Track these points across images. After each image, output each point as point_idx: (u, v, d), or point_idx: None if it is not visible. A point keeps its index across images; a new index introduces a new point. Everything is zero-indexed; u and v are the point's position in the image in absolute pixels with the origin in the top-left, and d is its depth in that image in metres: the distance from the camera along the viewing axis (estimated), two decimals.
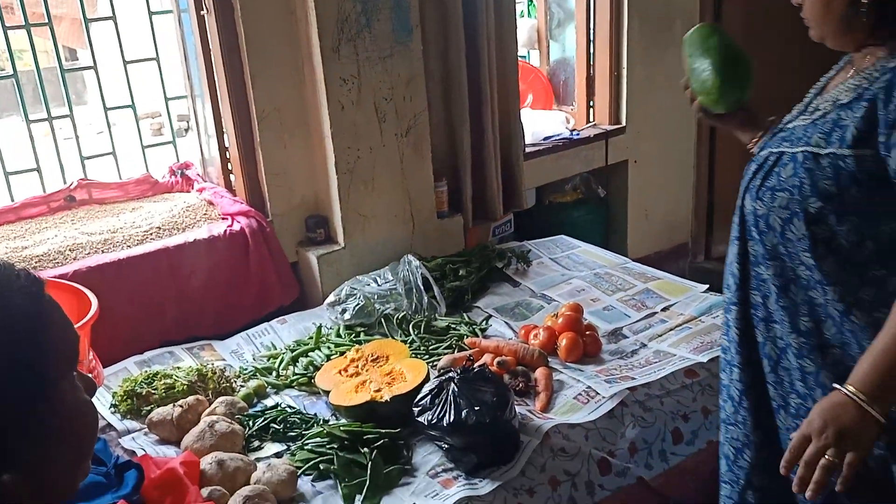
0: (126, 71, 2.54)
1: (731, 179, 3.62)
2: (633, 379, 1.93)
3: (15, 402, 0.71)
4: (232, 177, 2.55)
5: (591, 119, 3.38)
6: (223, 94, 2.39)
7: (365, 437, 1.73)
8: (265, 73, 2.36)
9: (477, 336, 2.18)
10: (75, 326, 0.82)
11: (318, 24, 2.28)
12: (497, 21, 2.68)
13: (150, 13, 2.56)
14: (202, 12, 2.34)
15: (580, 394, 1.91)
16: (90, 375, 0.84)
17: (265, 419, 1.85)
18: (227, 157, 2.53)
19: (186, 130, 2.83)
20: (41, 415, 0.74)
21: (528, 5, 3.95)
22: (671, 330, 2.18)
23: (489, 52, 2.66)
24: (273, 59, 2.37)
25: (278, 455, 1.77)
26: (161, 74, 2.63)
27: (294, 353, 2.14)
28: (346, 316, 2.26)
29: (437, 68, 2.62)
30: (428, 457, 1.74)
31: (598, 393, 1.89)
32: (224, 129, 2.49)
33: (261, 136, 2.41)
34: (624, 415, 1.84)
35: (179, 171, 2.72)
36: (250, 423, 1.85)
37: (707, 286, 2.38)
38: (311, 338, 2.22)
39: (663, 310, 2.29)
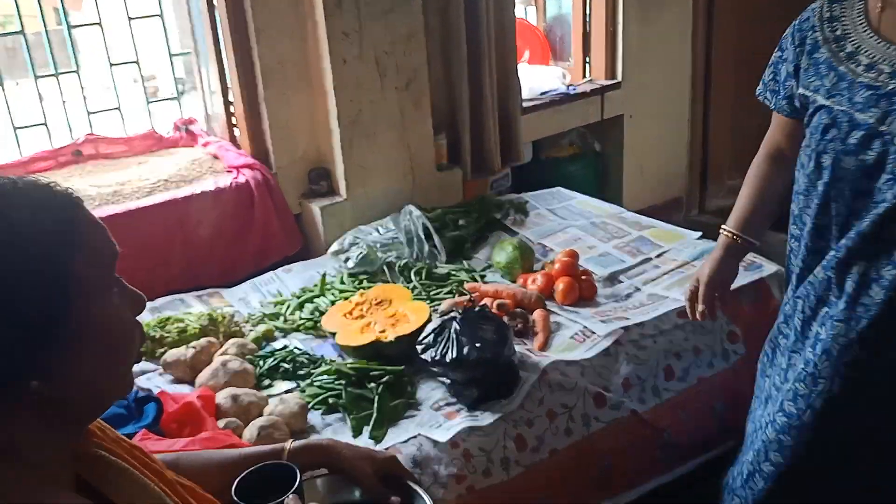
0: (130, 27, 2.57)
1: (724, 135, 3.71)
2: (628, 319, 2.01)
3: (43, 308, 0.74)
4: (236, 131, 2.61)
5: (588, 75, 3.42)
6: (228, 50, 2.44)
7: (371, 374, 1.82)
8: (269, 29, 2.40)
9: (476, 282, 2.26)
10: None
11: None
12: None
13: None
14: None
15: (577, 333, 1.99)
16: (139, 292, 0.86)
17: (275, 359, 1.94)
18: (232, 111, 2.58)
19: (182, 93, 2.87)
20: (70, 324, 0.75)
21: None
22: (665, 274, 2.26)
23: (487, 9, 2.70)
24: (277, 15, 2.41)
25: (288, 391, 1.86)
26: (165, 31, 2.66)
27: (300, 300, 2.22)
28: (350, 264, 2.34)
29: (436, 24, 2.66)
30: (431, 392, 1.83)
31: (594, 332, 1.97)
32: (229, 85, 2.53)
33: (265, 91, 2.46)
34: (619, 353, 1.92)
35: (184, 127, 2.77)
36: (261, 363, 1.93)
37: (700, 233, 2.45)
38: (315, 285, 2.30)
39: (657, 256, 2.36)
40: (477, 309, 1.84)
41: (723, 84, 3.63)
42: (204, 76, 2.66)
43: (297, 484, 1.08)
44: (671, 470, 1.96)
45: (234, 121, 2.60)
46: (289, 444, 1.18)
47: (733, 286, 2.09)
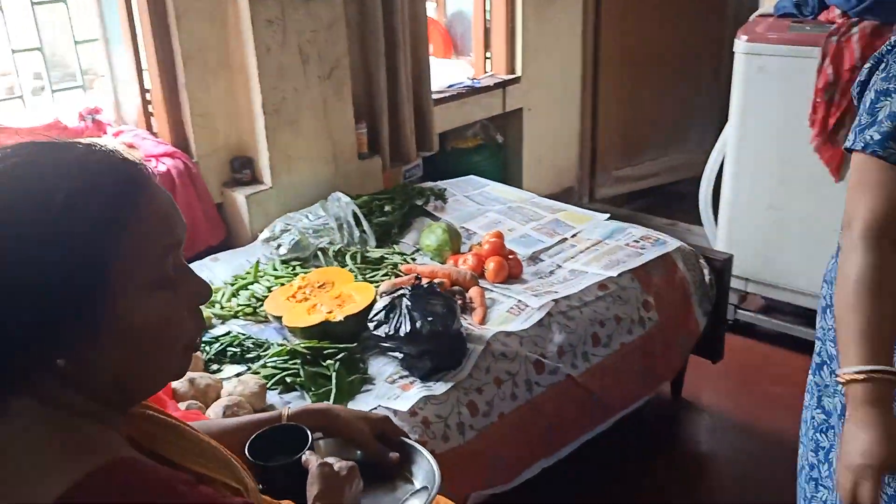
0: (34, 13, 2.45)
1: (612, 127, 3.99)
2: (556, 293, 2.17)
3: (74, 290, 0.70)
4: (153, 119, 2.54)
5: (489, 69, 3.58)
6: (146, 35, 2.38)
7: (325, 353, 1.87)
8: (189, 15, 2.37)
9: (409, 264, 2.34)
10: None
11: None
12: None
13: None
14: None
15: (512, 307, 2.12)
16: (204, 282, 0.82)
17: (221, 344, 1.94)
18: (149, 99, 2.52)
19: (42, 89, 2.75)
20: (102, 312, 0.72)
21: None
22: (581, 252, 2.43)
23: (402, 0, 2.78)
24: (198, 1, 2.38)
25: (239, 375, 1.87)
26: (70, 18, 2.55)
27: (235, 287, 2.22)
28: (282, 251, 2.35)
29: (354, 14, 2.72)
30: (383, 367, 1.90)
31: (528, 305, 2.11)
32: (143, 71, 2.47)
33: (185, 78, 2.42)
34: (551, 323, 2.07)
35: (90, 117, 2.66)
36: (206, 348, 1.93)
37: (608, 215, 2.66)
38: (248, 273, 2.30)
39: (572, 236, 2.54)
40: (425, 285, 1.93)
41: (610, 79, 3.91)
42: (114, 63, 2.57)
43: (310, 442, 1.14)
44: (598, 425, 2.14)
45: (150, 108, 2.53)
46: (286, 410, 1.22)
47: (644, 261, 2.32)
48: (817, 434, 1.38)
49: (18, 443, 0.73)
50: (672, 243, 2.42)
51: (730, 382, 2.75)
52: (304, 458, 1.10)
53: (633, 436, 2.40)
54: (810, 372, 1.44)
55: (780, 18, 2.62)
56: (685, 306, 2.35)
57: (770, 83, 2.59)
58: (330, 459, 1.09)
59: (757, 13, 2.77)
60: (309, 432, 1.15)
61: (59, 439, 0.74)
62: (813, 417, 1.40)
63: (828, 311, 1.33)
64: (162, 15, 2.36)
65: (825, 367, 1.36)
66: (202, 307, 0.86)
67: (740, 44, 2.63)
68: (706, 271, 2.42)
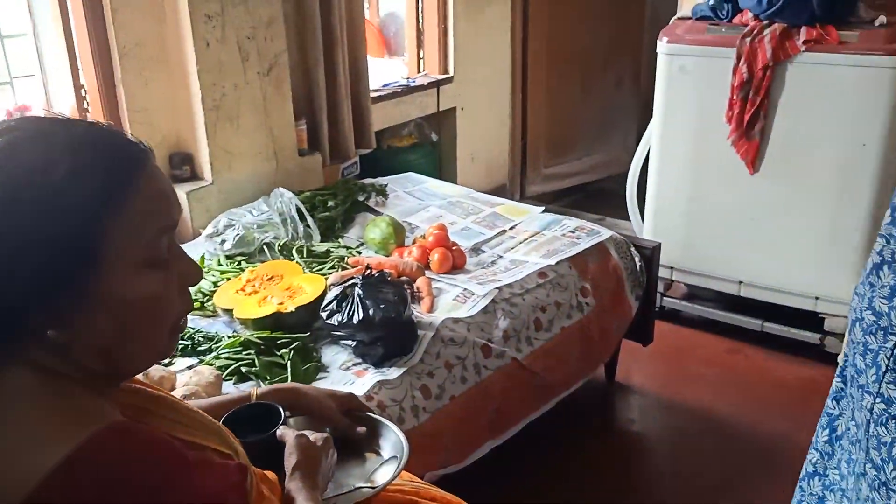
0: None
1: (540, 126, 4.12)
2: (500, 281, 2.26)
3: (64, 264, 0.72)
4: (88, 115, 2.50)
5: (422, 69, 3.65)
6: (80, 30, 2.34)
7: (279, 342, 1.89)
8: (126, 9, 2.35)
9: (355, 257, 2.38)
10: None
11: None
12: None
13: None
14: None
15: (458, 295, 2.19)
16: (195, 264, 0.85)
17: None
18: (84, 95, 2.47)
19: (14, 78, 2.68)
20: (91, 287, 0.74)
21: None
22: (521, 243, 2.53)
23: None
24: None
25: (191, 367, 1.87)
26: None
27: None
28: (227, 246, 2.36)
29: (292, 11, 2.74)
30: (336, 356, 1.94)
31: (473, 293, 2.19)
32: (80, 67, 2.43)
33: (122, 73, 2.39)
34: (496, 309, 2.15)
35: (18, 115, 2.59)
36: None
37: (543, 207, 2.77)
38: None
39: (511, 228, 2.63)
40: (377, 274, 1.98)
41: (538, 80, 4.05)
42: (45, 59, 2.51)
43: (283, 417, 1.18)
44: (542, 406, 2.24)
45: (86, 104, 2.49)
46: (254, 390, 1.25)
47: (580, 249, 2.44)
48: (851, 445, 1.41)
49: (18, 407, 0.75)
50: (605, 233, 2.55)
51: (659, 365, 2.91)
52: (279, 432, 1.14)
53: (572, 416, 2.52)
54: (835, 387, 1.46)
55: (698, 21, 2.79)
56: (619, 292, 2.48)
57: (690, 82, 2.76)
58: (305, 432, 1.13)
59: (676, 16, 2.94)
60: (281, 409, 1.19)
61: (57, 404, 0.76)
62: (848, 429, 1.43)
63: (857, 324, 1.33)
64: (97, 9, 2.33)
65: (853, 381, 1.37)
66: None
67: (662, 45, 2.79)
68: (637, 259, 2.56)
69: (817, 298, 2.73)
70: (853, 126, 2.49)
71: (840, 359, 1.47)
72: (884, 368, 1.26)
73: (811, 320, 2.80)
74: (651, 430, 2.66)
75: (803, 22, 2.51)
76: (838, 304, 2.68)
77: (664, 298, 3.12)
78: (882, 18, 2.47)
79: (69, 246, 0.73)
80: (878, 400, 1.27)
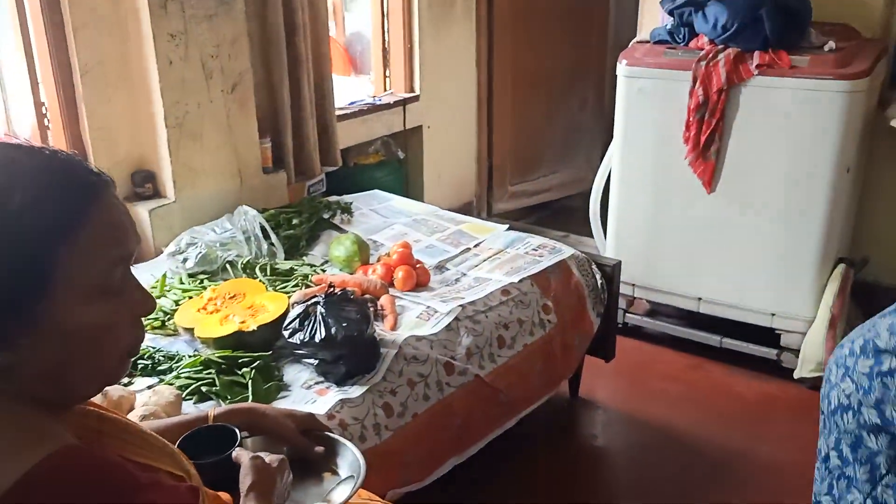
0: None
1: (505, 144, 4.17)
2: (463, 298, 2.28)
3: (15, 289, 0.73)
4: (49, 133, 2.48)
5: (389, 87, 3.68)
6: (41, 48, 2.33)
7: (240, 361, 1.89)
8: (88, 27, 2.34)
9: (320, 275, 2.39)
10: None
11: None
12: None
13: None
14: None
15: (421, 313, 2.21)
16: (148, 295, 0.85)
17: None
18: (44, 112, 2.45)
19: None
20: (42, 313, 0.74)
21: None
22: (484, 261, 2.55)
23: (304, 17, 2.84)
24: (96, 13, 2.35)
25: (151, 387, 1.86)
26: None
27: None
28: (189, 264, 2.35)
29: (256, 30, 2.75)
30: (298, 374, 1.94)
31: (436, 311, 2.21)
32: (40, 84, 2.41)
33: (84, 91, 2.38)
34: (459, 327, 2.17)
35: None
36: None
37: (508, 225, 2.80)
38: (154, 286, 2.28)
39: (475, 246, 2.66)
40: (339, 292, 1.99)
41: (504, 99, 4.10)
42: (5, 76, 2.49)
43: (239, 440, 1.18)
44: (505, 422, 2.25)
45: (46, 122, 2.47)
46: (213, 411, 1.26)
47: (542, 267, 2.47)
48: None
49: None
50: (567, 251, 2.58)
51: (621, 381, 2.95)
52: (234, 454, 1.14)
53: (536, 432, 2.54)
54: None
55: (657, 45, 2.86)
56: (580, 309, 2.52)
57: (648, 103, 2.83)
58: (261, 453, 1.14)
59: (635, 40, 3.01)
60: (238, 430, 1.19)
61: (6, 427, 0.76)
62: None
63: (847, 412, 1.21)
64: (58, 26, 2.32)
65: (835, 469, 1.27)
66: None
67: (622, 67, 2.85)
68: (598, 276, 2.60)
69: (773, 315, 2.79)
70: (805, 147, 2.57)
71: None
72: (883, 471, 1.18)
73: (768, 336, 2.86)
74: (613, 444, 2.70)
75: (756, 47, 2.59)
76: (793, 321, 2.75)
77: (626, 315, 3.17)
78: (831, 44, 2.56)
79: (19, 271, 0.74)
80: (868, 501, 1.20)
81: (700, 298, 2.95)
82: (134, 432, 0.93)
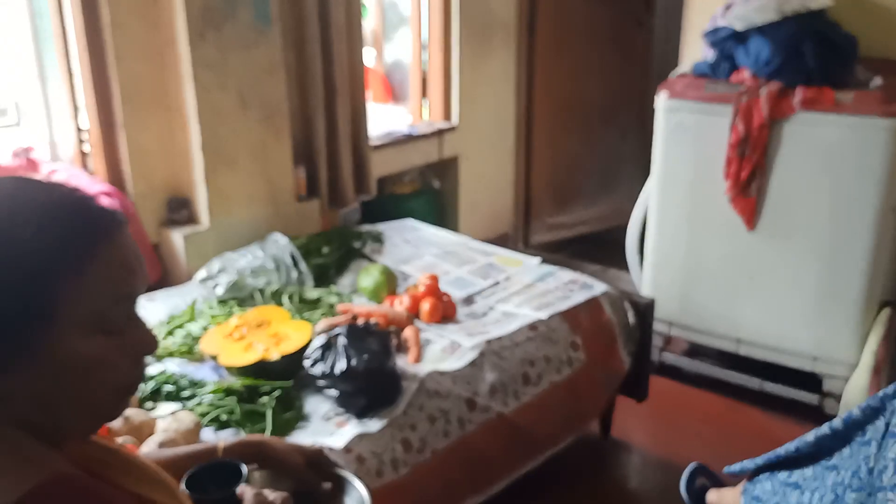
0: None
1: (546, 177, 4.14)
2: (489, 333, 2.24)
3: (13, 319, 0.73)
4: (89, 158, 2.54)
5: (426, 117, 3.69)
6: (83, 75, 2.39)
7: (261, 390, 1.88)
8: (128, 55, 2.40)
9: (347, 304, 2.38)
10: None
11: (185, 11, 2.37)
12: (347, 19, 2.91)
13: None
14: None
15: (445, 347, 2.18)
16: (151, 335, 0.85)
17: (156, 382, 1.93)
18: (84, 138, 2.52)
19: (20, 120, 2.74)
20: (40, 346, 0.75)
21: (362, 9, 4.20)
22: (513, 295, 2.52)
23: (340, 48, 2.87)
24: (137, 42, 2.41)
25: (174, 413, 1.86)
26: (4, 56, 2.55)
27: (171, 326, 2.21)
28: (219, 290, 2.36)
29: (293, 60, 2.79)
30: (318, 405, 1.92)
31: (461, 345, 2.17)
32: (81, 110, 2.48)
33: (123, 117, 2.44)
34: (483, 362, 2.13)
35: (23, 154, 2.64)
36: (141, 386, 1.91)
37: (540, 259, 2.76)
38: (184, 312, 2.30)
39: (505, 279, 2.62)
40: (362, 324, 1.97)
41: (542, 129, 4.08)
42: (50, 102, 2.57)
43: (244, 476, 1.16)
44: (528, 462, 2.19)
45: (87, 149, 2.53)
46: (222, 443, 1.24)
47: (573, 303, 2.42)
48: None
49: None
50: (598, 287, 2.53)
51: (656, 421, 2.86)
52: (238, 489, 1.13)
53: (565, 473, 2.47)
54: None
55: (697, 78, 2.81)
56: (611, 347, 2.46)
57: (688, 137, 2.77)
58: (264, 491, 1.12)
59: (676, 72, 2.96)
60: (243, 467, 1.17)
61: (0, 453, 0.76)
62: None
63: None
64: (100, 55, 2.38)
65: (871, 474, 1.41)
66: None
67: (661, 100, 2.81)
68: (630, 314, 2.53)
69: (815, 358, 2.69)
70: (849, 185, 2.48)
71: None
72: None
73: (811, 380, 2.75)
74: (645, 487, 2.61)
75: (800, 82, 2.52)
76: (836, 365, 2.64)
77: (663, 354, 3.08)
78: (878, 80, 2.47)
79: (24, 300, 0.74)
80: None
81: (739, 339, 2.86)
82: (133, 462, 0.92)
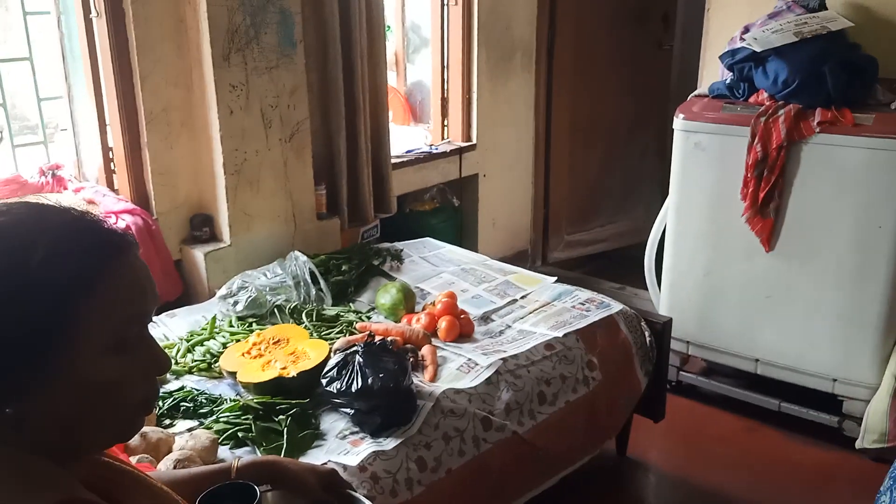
0: None
1: (564, 195, 4.15)
2: (505, 352, 2.25)
3: (28, 342, 0.75)
4: (115, 176, 2.60)
5: (446, 136, 3.73)
6: (110, 94, 2.46)
7: (278, 408, 1.91)
8: (154, 76, 2.46)
9: (365, 322, 2.40)
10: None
11: (210, 34, 2.43)
12: (369, 41, 2.95)
13: (25, 13, 2.56)
14: (91, 16, 2.40)
15: (462, 365, 2.19)
16: (164, 354, 0.86)
17: (174, 399, 1.96)
18: (110, 157, 2.58)
19: (48, 138, 2.81)
20: (54, 366, 0.76)
21: (384, 30, 4.26)
22: (530, 313, 2.53)
23: (362, 68, 2.92)
24: (162, 63, 2.47)
25: (191, 430, 1.89)
26: (34, 75, 2.62)
27: (190, 343, 2.25)
28: (239, 307, 2.40)
29: (316, 80, 2.84)
30: (334, 423, 1.94)
31: (477, 364, 2.19)
32: (106, 129, 2.54)
33: (148, 136, 2.49)
34: (499, 381, 2.14)
35: (50, 172, 2.71)
36: (160, 403, 1.95)
37: (556, 278, 2.77)
38: (203, 329, 2.33)
39: (522, 297, 2.64)
40: (378, 342, 2.00)
41: (561, 148, 4.09)
42: (77, 120, 2.63)
43: (258, 497, 1.18)
44: (544, 481, 2.20)
45: (112, 166, 2.59)
46: (236, 462, 1.26)
47: (589, 322, 2.42)
48: None
49: None
50: (615, 306, 2.53)
51: (673, 441, 2.85)
52: None
53: (581, 492, 2.46)
54: None
55: (715, 99, 2.81)
56: (627, 366, 2.45)
57: (705, 158, 2.77)
58: None
59: (694, 93, 2.97)
60: (257, 489, 1.19)
61: (12, 477, 0.77)
62: None
63: None
64: (127, 75, 2.44)
65: None
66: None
67: (678, 121, 2.81)
68: (647, 333, 2.53)
69: (835, 380, 2.66)
70: (868, 207, 2.47)
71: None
72: None
73: (830, 402, 2.72)
74: None
75: (819, 103, 2.52)
76: (856, 387, 2.61)
77: (680, 373, 3.07)
78: None
79: (38, 323, 0.76)
80: None
81: (758, 360, 2.84)
82: (146, 484, 0.94)
